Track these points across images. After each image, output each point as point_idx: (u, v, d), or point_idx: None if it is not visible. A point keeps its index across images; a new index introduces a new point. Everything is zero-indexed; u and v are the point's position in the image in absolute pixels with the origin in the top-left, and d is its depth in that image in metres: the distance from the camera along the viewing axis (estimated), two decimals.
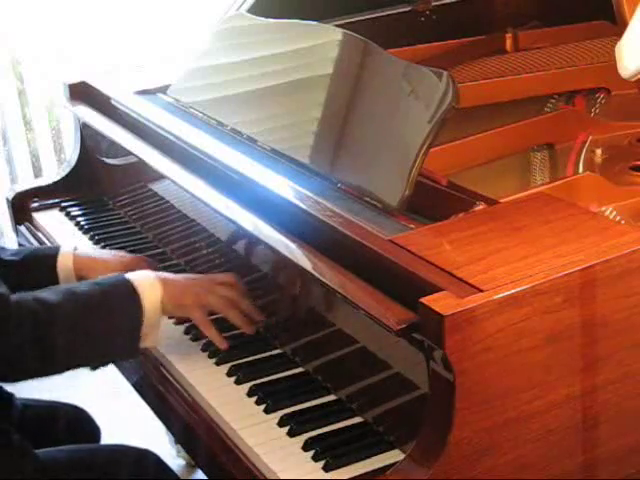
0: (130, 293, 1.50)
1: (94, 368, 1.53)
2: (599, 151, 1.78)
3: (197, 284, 1.58)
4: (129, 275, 1.53)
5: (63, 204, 2.27)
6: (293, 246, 1.45)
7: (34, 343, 1.42)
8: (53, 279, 1.74)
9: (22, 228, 2.24)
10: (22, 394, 1.76)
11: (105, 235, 2.11)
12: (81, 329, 1.47)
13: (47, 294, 1.47)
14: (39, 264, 1.76)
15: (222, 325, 1.67)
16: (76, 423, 1.83)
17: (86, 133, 2.27)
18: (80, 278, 1.76)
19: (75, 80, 2.27)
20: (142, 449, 1.65)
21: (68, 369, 1.49)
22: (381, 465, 1.31)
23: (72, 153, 2.34)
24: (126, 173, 2.14)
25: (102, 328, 1.48)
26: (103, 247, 2.04)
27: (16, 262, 1.74)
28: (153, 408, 1.67)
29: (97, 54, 3.34)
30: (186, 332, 1.68)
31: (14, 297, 1.44)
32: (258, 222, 1.54)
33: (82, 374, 1.51)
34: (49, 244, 2.12)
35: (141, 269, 1.72)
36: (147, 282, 1.52)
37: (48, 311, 1.44)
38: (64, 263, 1.75)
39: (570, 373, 1.26)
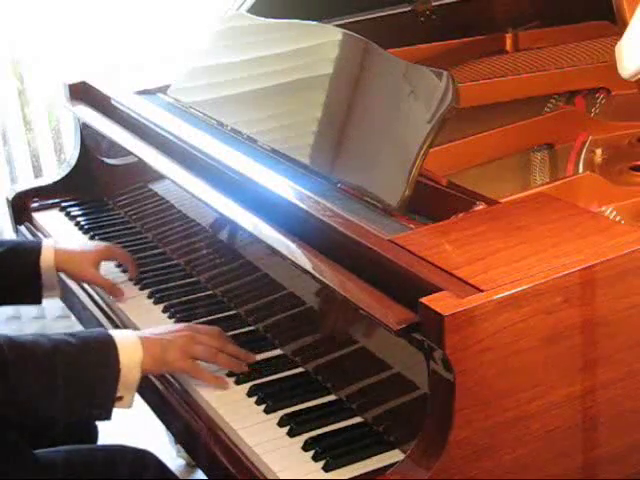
0: (109, 352, 1.43)
1: (66, 420, 1.49)
2: (599, 151, 1.78)
3: (180, 338, 1.52)
4: (113, 332, 1.48)
5: (63, 204, 2.27)
6: (293, 246, 1.45)
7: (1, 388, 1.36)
8: (36, 272, 1.76)
9: (22, 228, 2.24)
10: None
11: (105, 235, 2.11)
12: (48, 377, 1.39)
13: (19, 335, 1.42)
14: (22, 257, 1.77)
15: (221, 325, 1.67)
16: (75, 423, 1.82)
17: (86, 133, 2.27)
18: (60, 271, 1.80)
19: (75, 80, 2.27)
20: (141, 449, 1.65)
21: (31, 415, 1.44)
22: (381, 465, 1.31)
23: (72, 153, 2.34)
24: (126, 173, 2.14)
25: (73, 380, 1.41)
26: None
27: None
28: (153, 408, 1.67)
29: (97, 54, 3.34)
30: None
31: None
32: (258, 222, 1.54)
33: None
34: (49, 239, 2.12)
35: (115, 257, 1.84)
36: (127, 343, 1.46)
37: (14, 350, 1.38)
38: (47, 256, 1.77)
39: (570, 373, 1.26)
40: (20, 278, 1.78)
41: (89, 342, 1.45)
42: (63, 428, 1.78)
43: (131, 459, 1.61)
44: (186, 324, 1.60)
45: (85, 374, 1.42)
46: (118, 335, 1.47)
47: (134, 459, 1.62)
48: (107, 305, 1.86)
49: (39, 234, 2.18)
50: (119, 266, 1.95)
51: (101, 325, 1.81)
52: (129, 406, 1.46)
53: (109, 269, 1.93)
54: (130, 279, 1.90)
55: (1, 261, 1.75)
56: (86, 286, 1.93)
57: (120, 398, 1.44)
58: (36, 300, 1.82)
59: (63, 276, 1.87)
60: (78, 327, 2.05)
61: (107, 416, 1.44)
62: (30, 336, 1.43)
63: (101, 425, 1.91)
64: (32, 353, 1.40)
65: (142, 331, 1.55)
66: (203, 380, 1.52)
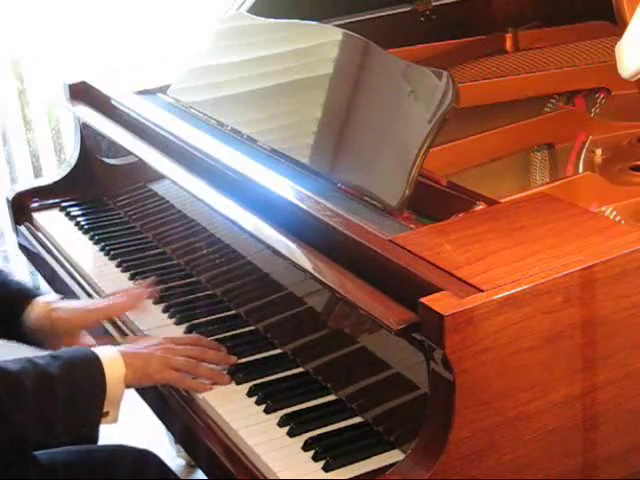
0: (95, 369, 1.44)
1: (51, 441, 1.48)
2: (599, 151, 1.78)
3: (159, 349, 1.53)
4: (95, 350, 1.48)
5: (63, 204, 2.27)
6: (293, 246, 1.45)
7: None
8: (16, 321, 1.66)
9: (22, 228, 2.24)
10: None
11: (105, 235, 2.11)
12: (42, 401, 1.40)
13: (5, 362, 1.42)
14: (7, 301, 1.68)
15: (221, 325, 1.68)
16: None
17: (86, 133, 2.27)
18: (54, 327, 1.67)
19: (75, 80, 2.27)
20: (142, 449, 1.65)
21: (23, 440, 1.44)
22: (381, 465, 1.31)
23: (72, 153, 2.34)
24: (126, 173, 2.14)
25: (63, 403, 1.41)
26: (103, 247, 2.05)
27: None
28: (153, 408, 1.67)
29: (97, 54, 3.34)
30: (187, 333, 1.68)
31: None
32: (258, 222, 1.54)
33: None
34: (49, 244, 2.12)
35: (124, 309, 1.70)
36: (110, 360, 1.46)
37: (8, 384, 1.38)
38: (36, 312, 1.65)
39: (570, 373, 1.26)
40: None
41: (74, 362, 1.45)
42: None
43: (132, 459, 1.61)
44: (164, 337, 1.60)
45: (73, 394, 1.43)
46: (100, 352, 1.47)
47: (135, 459, 1.61)
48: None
49: (39, 234, 2.18)
50: (119, 266, 1.95)
51: (101, 325, 1.81)
52: (114, 421, 1.47)
53: (109, 269, 1.93)
54: (131, 279, 1.90)
55: None
56: (86, 286, 1.93)
57: (106, 414, 1.45)
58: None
59: (58, 268, 1.84)
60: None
61: (94, 434, 1.47)
62: (17, 363, 1.42)
63: (102, 425, 1.90)
64: (22, 385, 1.39)
65: (121, 346, 1.55)
66: (188, 388, 1.53)
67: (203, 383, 1.53)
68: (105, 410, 1.45)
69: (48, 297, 1.71)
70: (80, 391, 1.43)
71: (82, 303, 1.80)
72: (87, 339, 1.72)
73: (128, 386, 1.48)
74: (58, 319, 1.64)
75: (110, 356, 1.47)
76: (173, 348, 1.54)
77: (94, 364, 1.45)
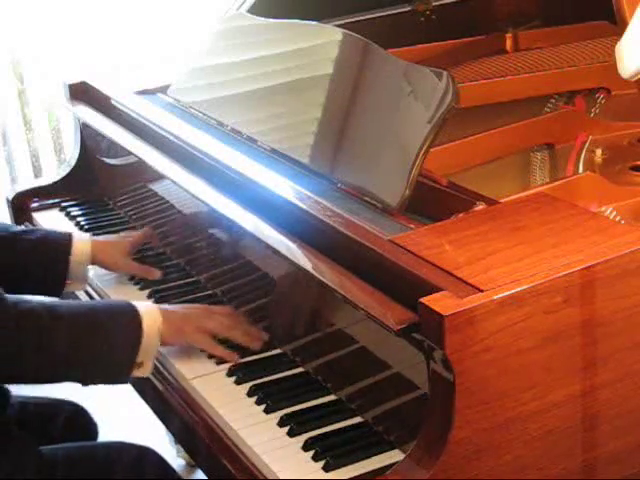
0: (133, 317, 1.51)
1: (85, 384, 1.53)
2: (599, 151, 1.78)
3: (195, 313, 1.60)
4: (134, 302, 1.55)
5: (63, 204, 2.27)
6: (293, 246, 1.45)
7: (34, 348, 1.43)
8: (64, 265, 1.78)
9: None
10: (21, 391, 1.76)
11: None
12: (82, 343, 1.48)
13: (52, 301, 1.49)
14: (53, 248, 1.79)
15: None
16: (75, 421, 1.83)
17: (86, 133, 2.27)
18: (95, 263, 1.84)
19: (75, 80, 2.27)
20: (142, 446, 1.66)
21: (62, 379, 1.50)
22: (381, 465, 1.31)
23: (72, 153, 2.34)
24: (126, 173, 2.14)
25: (101, 345, 1.48)
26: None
27: (29, 240, 1.78)
28: (153, 408, 1.67)
29: (97, 54, 3.34)
30: None
31: (12, 298, 1.45)
32: (258, 222, 1.54)
33: None
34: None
35: (148, 241, 1.88)
36: (147, 311, 1.53)
37: (52, 318, 1.45)
38: (79, 249, 1.80)
39: (570, 373, 1.26)
40: (48, 271, 1.79)
41: (114, 308, 1.54)
42: (63, 427, 1.78)
43: (132, 456, 1.62)
44: (201, 305, 1.67)
45: (111, 335, 1.49)
46: (140, 305, 1.54)
47: (135, 456, 1.62)
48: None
49: None
50: None
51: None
52: (148, 373, 1.53)
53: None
54: (130, 279, 1.90)
55: (32, 250, 1.77)
56: (86, 286, 1.93)
57: (140, 364, 1.50)
58: (57, 292, 1.83)
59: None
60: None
61: (126, 379, 1.52)
62: (65, 303, 1.53)
63: (101, 425, 1.91)
64: (61, 313, 1.47)
65: (161, 305, 1.61)
66: (218, 354, 1.58)
67: (232, 353, 1.57)
68: (139, 360, 1.50)
69: (83, 235, 1.87)
70: (118, 331, 1.50)
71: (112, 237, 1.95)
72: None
73: (163, 341, 1.53)
74: (98, 253, 1.82)
75: (149, 308, 1.55)
76: (209, 312, 1.61)
77: (132, 312, 1.52)
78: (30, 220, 2.24)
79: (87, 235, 1.88)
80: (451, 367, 1.17)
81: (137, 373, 1.51)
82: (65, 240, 1.80)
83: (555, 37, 2.20)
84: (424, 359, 1.22)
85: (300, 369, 1.55)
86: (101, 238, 1.90)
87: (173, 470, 1.69)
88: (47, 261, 1.78)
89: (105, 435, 1.93)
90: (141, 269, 1.88)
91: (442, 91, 1.48)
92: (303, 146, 1.67)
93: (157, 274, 1.86)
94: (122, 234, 1.97)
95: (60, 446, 1.62)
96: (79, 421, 1.85)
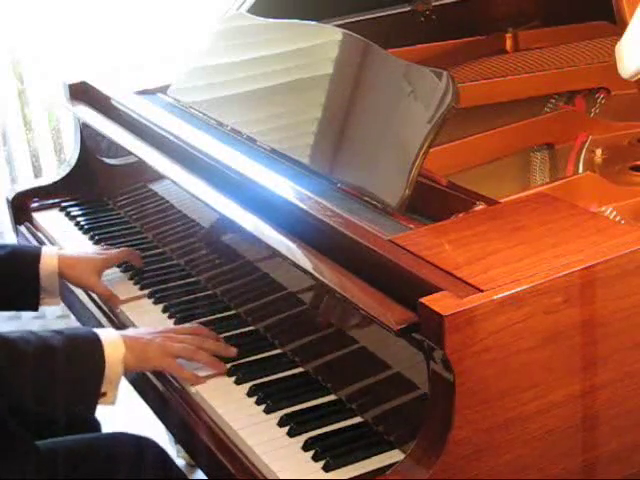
0: (95, 348, 1.47)
1: (51, 417, 1.52)
2: (599, 151, 1.78)
3: (159, 336, 1.56)
4: (96, 330, 1.52)
5: (63, 204, 2.27)
6: (293, 246, 1.45)
7: None
8: (34, 278, 1.76)
9: (22, 228, 2.24)
10: None
11: (105, 235, 2.11)
12: (41, 369, 1.44)
13: (9, 333, 1.45)
14: (22, 262, 1.78)
15: (221, 325, 1.68)
16: (76, 419, 1.82)
17: (86, 133, 2.27)
18: (62, 277, 1.80)
19: (75, 80, 2.27)
20: (142, 437, 1.65)
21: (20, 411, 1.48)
22: (381, 465, 1.31)
23: (72, 153, 2.34)
24: (126, 173, 2.14)
25: (64, 377, 1.45)
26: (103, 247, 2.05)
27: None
28: (153, 408, 1.67)
29: (97, 54, 3.34)
30: None
31: None
32: (258, 222, 1.54)
33: None
34: (49, 244, 2.12)
35: (123, 261, 1.85)
36: (110, 341, 1.49)
37: (5, 350, 1.42)
38: (47, 262, 1.77)
39: (570, 373, 1.26)
40: (18, 284, 1.78)
41: (76, 338, 1.49)
42: (64, 423, 1.78)
43: (132, 446, 1.62)
44: (166, 326, 1.64)
45: (72, 367, 1.46)
46: (101, 333, 1.51)
47: (135, 446, 1.62)
48: (107, 305, 1.86)
49: (39, 234, 2.18)
50: (119, 266, 1.95)
51: (101, 325, 1.81)
52: (112, 403, 1.49)
53: (109, 269, 1.93)
54: (130, 279, 1.90)
55: (1, 265, 1.75)
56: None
57: (104, 394, 1.47)
58: (33, 307, 1.82)
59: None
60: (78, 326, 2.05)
61: (91, 412, 1.49)
62: (19, 333, 1.46)
63: (101, 425, 1.90)
64: (23, 352, 1.43)
65: (123, 331, 1.58)
66: (182, 378, 1.55)
67: (198, 376, 1.54)
68: (103, 390, 1.47)
69: (52, 248, 1.86)
70: (79, 365, 1.47)
71: (85, 252, 1.92)
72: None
73: (127, 369, 1.51)
74: (65, 267, 1.79)
75: (111, 337, 1.51)
76: (173, 336, 1.57)
77: (94, 342, 1.48)
78: (30, 220, 2.24)
79: (55, 249, 1.85)
80: (451, 367, 1.17)
81: (101, 402, 1.48)
82: (34, 254, 1.79)
83: (555, 37, 2.19)
84: (424, 359, 1.22)
85: (300, 369, 1.55)
86: (72, 253, 1.86)
87: (172, 460, 1.68)
88: (17, 276, 1.77)
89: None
90: (104, 292, 1.84)
91: (442, 91, 1.48)
92: (303, 146, 1.67)
93: (119, 302, 1.82)
94: (98, 250, 1.94)
95: (61, 439, 1.62)
96: (80, 420, 1.84)
